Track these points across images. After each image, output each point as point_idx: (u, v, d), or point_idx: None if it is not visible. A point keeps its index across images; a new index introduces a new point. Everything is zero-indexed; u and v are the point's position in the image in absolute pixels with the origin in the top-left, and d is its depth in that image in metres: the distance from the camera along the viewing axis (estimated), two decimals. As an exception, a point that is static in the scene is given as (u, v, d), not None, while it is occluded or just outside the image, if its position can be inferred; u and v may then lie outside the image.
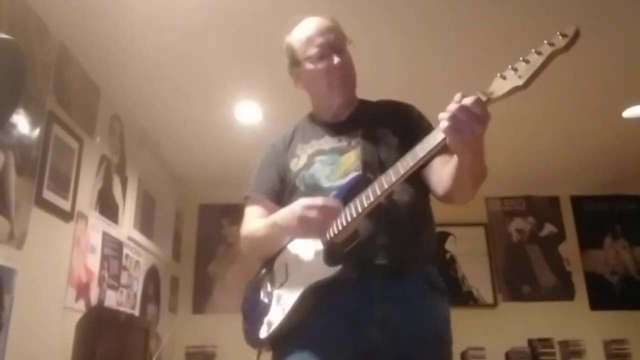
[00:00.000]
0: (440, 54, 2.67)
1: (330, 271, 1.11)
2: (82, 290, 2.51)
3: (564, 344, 4.00)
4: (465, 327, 4.08)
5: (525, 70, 0.90)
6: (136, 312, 3.24)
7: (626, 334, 4.04)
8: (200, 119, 3.27)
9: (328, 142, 1.33)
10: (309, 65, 1.34)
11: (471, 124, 0.94)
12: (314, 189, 1.26)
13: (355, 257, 1.13)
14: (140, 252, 3.39)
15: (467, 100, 0.94)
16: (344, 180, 1.20)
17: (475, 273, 4.37)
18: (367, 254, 1.15)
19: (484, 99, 0.94)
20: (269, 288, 1.28)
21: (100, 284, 2.72)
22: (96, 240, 2.71)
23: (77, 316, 2.38)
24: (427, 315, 1.17)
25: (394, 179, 1.05)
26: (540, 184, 4.45)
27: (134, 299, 3.23)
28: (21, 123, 2.06)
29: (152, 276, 3.62)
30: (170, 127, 3.40)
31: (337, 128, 1.35)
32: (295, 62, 1.37)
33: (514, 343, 4.01)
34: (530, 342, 4.03)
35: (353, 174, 1.20)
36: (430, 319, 1.18)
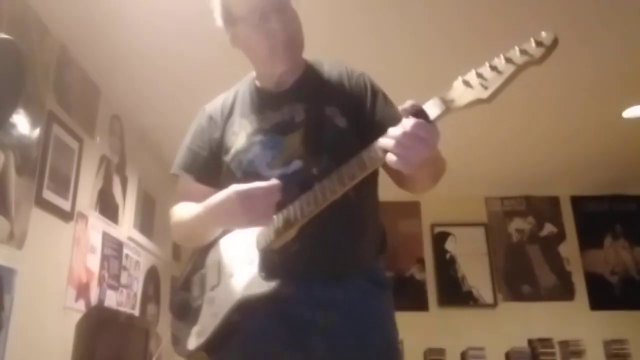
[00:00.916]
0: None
1: (264, 286, 1.02)
2: (82, 290, 2.51)
3: (564, 344, 4.00)
4: (465, 327, 4.12)
5: (492, 80, 0.80)
6: (136, 312, 3.24)
7: (626, 334, 4.04)
8: (200, 119, 3.27)
9: (269, 118, 1.18)
10: (247, 28, 1.16)
11: (417, 150, 0.86)
12: (253, 177, 1.11)
13: (292, 264, 1.05)
14: (140, 252, 3.39)
15: (410, 126, 0.86)
16: (285, 170, 1.10)
17: (475, 273, 4.37)
18: (305, 260, 1.06)
19: (442, 108, 0.86)
20: (199, 289, 1.17)
21: (100, 284, 2.72)
22: (96, 240, 2.71)
23: (77, 316, 2.38)
24: (371, 317, 1.10)
25: (337, 189, 0.98)
26: (540, 184, 4.44)
27: (134, 299, 3.23)
28: (21, 123, 2.06)
29: (152, 276, 3.62)
30: (170, 127, 3.38)
31: (280, 99, 1.20)
32: (230, 21, 1.19)
33: (514, 343, 4.01)
34: (530, 342, 4.03)
35: (295, 164, 1.10)
36: (374, 321, 1.11)
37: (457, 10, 2.34)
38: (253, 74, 1.30)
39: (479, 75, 0.81)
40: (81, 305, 2.48)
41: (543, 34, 0.78)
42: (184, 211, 1.22)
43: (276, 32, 1.13)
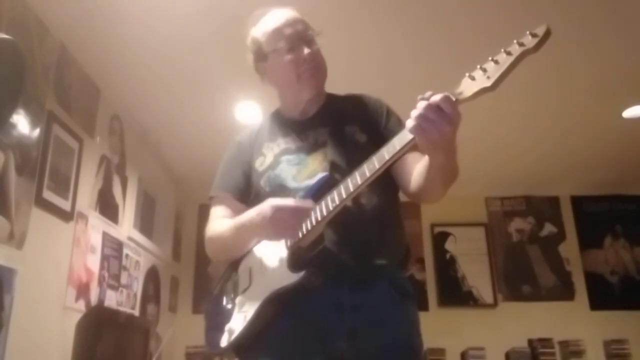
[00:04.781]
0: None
1: (293, 277, 1.07)
2: (82, 290, 2.51)
3: (564, 344, 4.00)
4: (465, 327, 4.12)
5: (493, 70, 0.88)
6: (136, 312, 3.24)
7: (626, 334, 4.04)
8: (201, 118, 3.27)
9: (295, 140, 1.28)
10: (277, 58, 1.28)
11: (440, 124, 0.91)
12: (280, 190, 1.21)
13: (320, 262, 1.08)
14: (140, 252, 3.39)
15: (436, 98, 0.92)
16: (311, 181, 1.16)
17: (475, 273, 4.37)
18: (332, 259, 1.10)
19: (452, 99, 0.92)
20: (232, 294, 1.23)
21: (100, 284, 2.72)
22: (96, 240, 2.71)
23: (77, 316, 2.38)
24: (396, 324, 1.13)
25: (359, 181, 1.02)
26: (540, 184, 4.44)
27: (134, 299, 3.23)
28: (21, 123, 2.06)
29: (152, 276, 3.62)
30: (170, 127, 3.40)
31: (305, 125, 1.30)
32: (261, 57, 1.32)
33: (514, 343, 4.01)
34: (530, 342, 4.03)
35: (320, 175, 1.15)
36: (400, 328, 1.14)
37: (458, 14, 2.35)
38: (277, 107, 1.41)
39: (483, 69, 0.90)
40: (81, 305, 2.48)
41: (537, 27, 0.87)
42: (219, 225, 1.29)
43: (304, 60, 1.25)
